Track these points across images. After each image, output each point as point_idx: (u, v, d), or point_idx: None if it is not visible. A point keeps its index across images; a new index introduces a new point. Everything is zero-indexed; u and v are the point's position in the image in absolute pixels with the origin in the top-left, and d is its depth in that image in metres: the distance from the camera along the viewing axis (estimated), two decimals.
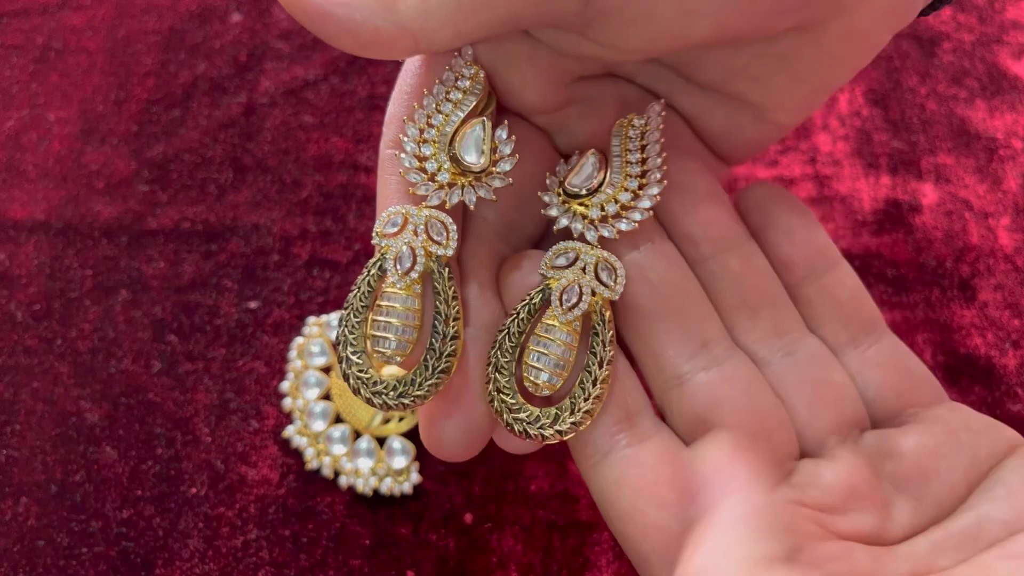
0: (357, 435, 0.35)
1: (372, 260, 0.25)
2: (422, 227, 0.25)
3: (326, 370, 0.36)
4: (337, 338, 0.25)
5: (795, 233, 0.28)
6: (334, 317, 0.37)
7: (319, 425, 0.35)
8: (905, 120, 0.43)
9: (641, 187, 0.26)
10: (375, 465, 0.34)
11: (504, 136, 0.25)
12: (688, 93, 0.29)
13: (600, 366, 0.25)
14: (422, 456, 0.35)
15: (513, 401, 0.25)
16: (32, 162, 0.42)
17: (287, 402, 0.36)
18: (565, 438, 0.25)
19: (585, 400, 0.25)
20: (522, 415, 0.25)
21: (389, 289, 0.25)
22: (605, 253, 0.26)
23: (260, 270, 0.39)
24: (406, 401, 0.24)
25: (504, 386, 0.25)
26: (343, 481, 0.34)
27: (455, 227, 0.25)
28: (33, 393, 0.36)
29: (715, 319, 0.27)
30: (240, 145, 0.42)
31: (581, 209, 0.26)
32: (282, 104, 0.43)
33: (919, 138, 0.43)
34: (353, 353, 0.25)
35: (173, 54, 0.45)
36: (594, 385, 0.25)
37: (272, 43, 0.45)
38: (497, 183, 0.25)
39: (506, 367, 0.25)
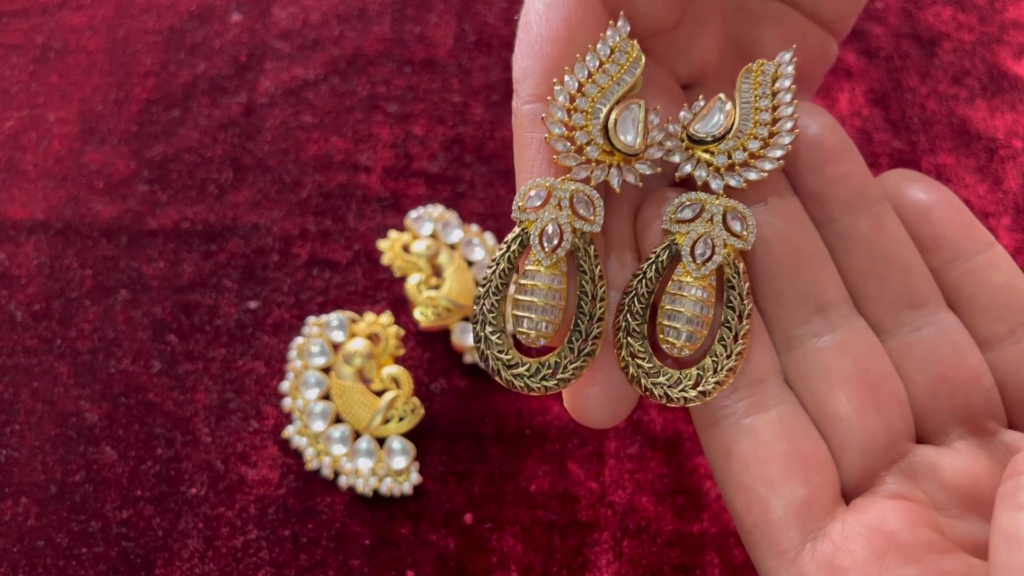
0: (357, 435, 0.35)
1: (512, 235, 0.24)
2: (566, 201, 0.23)
3: (326, 370, 0.36)
4: (474, 316, 0.24)
5: (935, 211, 0.26)
6: (334, 317, 0.37)
7: (319, 425, 0.35)
8: (905, 120, 0.43)
9: (772, 135, 0.24)
10: (375, 465, 0.34)
11: (656, 121, 0.24)
12: None
13: (740, 320, 0.24)
14: (422, 456, 0.35)
15: (651, 365, 0.24)
16: (32, 162, 0.41)
17: (287, 402, 0.36)
18: (709, 399, 0.24)
19: (728, 357, 0.24)
20: (662, 379, 0.24)
21: (532, 267, 0.23)
22: (732, 201, 0.24)
23: (260, 270, 0.39)
24: (549, 384, 0.23)
25: (639, 350, 0.24)
26: (343, 481, 0.34)
27: (601, 202, 0.23)
28: (33, 393, 0.36)
29: (836, 283, 0.25)
30: (240, 145, 0.42)
31: (706, 156, 0.24)
32: (282, 104, 0.43)
33: (919, 138, 0.43)
34: (492, 333, 0.24)
35: (173, 54, 0.45)
36: (735, 341, 0.24)
37: (272, 43, 0.45)
38: (646, 170, 0.24)
39: (638, 330, 0.24)
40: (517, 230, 0.24)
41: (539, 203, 0.23)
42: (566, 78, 0.24)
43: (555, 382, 0.23)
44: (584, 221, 0.23)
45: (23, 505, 0.34)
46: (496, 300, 0.24)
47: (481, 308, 0.24)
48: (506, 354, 0.24)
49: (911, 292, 0.25)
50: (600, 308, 0.23)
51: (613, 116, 0.24)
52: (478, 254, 0.39)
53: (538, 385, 0.24)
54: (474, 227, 0.39)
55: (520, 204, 0.24)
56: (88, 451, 0.35)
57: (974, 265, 0.26)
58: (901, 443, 0.25)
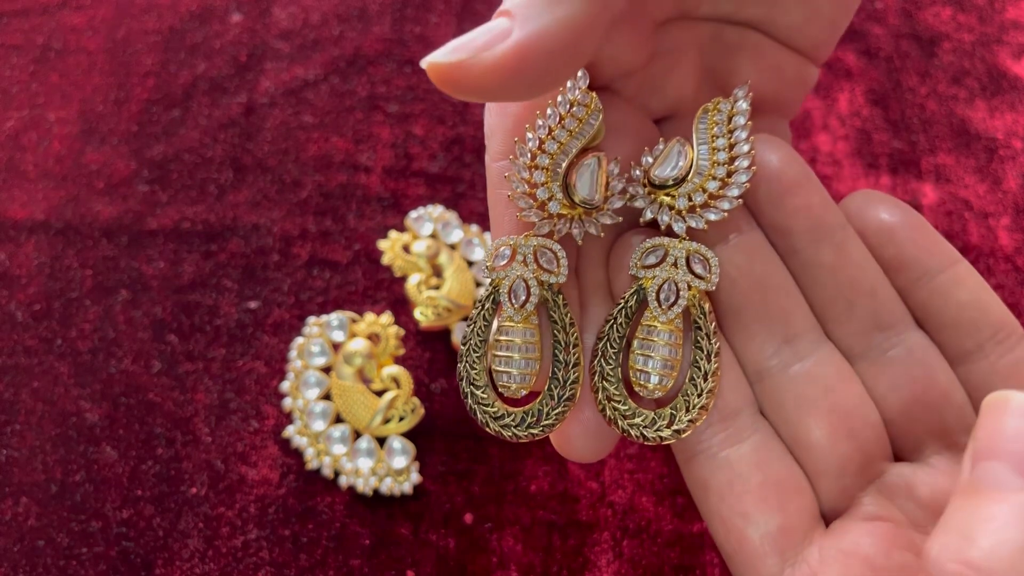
0: (357, 435, 0.35)
1: (484, 294, 0.25)
2: (531, 256, 0.25)
3: (326, 370, 0.36)
4: (459, 374, 0.25)
5: (899, 232, 0.26)
6: (334, 317, 0.37)
7: (319, 425, 0.35)
8: (905, 120, 0.43)
9: (730, 174, 0.25)
10: (375, 465, 0.34)
11: (616, 171, 0.25)
12: None
13: (708, 360, 0.25)
14: (422, 456, 0.35)
15: (626, 408, 0.25)
16: (32, 162, 0.42)
17: (287, 402, 0.36)
18: (683, 436, 0.25)
19: (698, 396, 0.25)
20: (637, 420, 0.25)
21: (506, 323, 0.25)
22: (694, 244, 0.25)
23: (260, 270, 0.39)
24: (535, 431, 0.25)
25: (614, 394, 0.25)
26: (343, 481, 0.34)
27: (564, 254, 0.25)
28: (33, 393, 0.36)
29: (803, 312, 0.26)
30: (240, 145, 0.42)
31: (668, 200, 0.25)
32: (282, 104, 0.43)
33: (919, 138, 0.43)
34: (477, 389, 0.25)
35: (173, 54, 0.45)
36: (705, 380, 0.25)
37: (272, 43, 0.45)
38: (607, 220, 0.25)
39: (612, 374, 0.25)
40: (489, 288, 0.25)
41: (504, 262, 0.25)
42: (528, 135, 0.25)
43: (539, 429, 0.25)
44: (549, 273, 0.25)
45: (23, 505, 0.34)
46: (478, 357, 0.25)
47: (465, 366, 0.25)
48: (492, 407, 0.25)
49: (878, 314, 0.26)
50: (575, 354, 0.25)
51: (573, 171, 0.25)
52: (478, 254, 0.39)
53: (524, 433, 0.25)
54: (474, 227, 0.39)
55: (489, 264, 0.25)
56: (88, 451, 0.35)
57: (940, 283, 0.26)
58: (877, 463, 0.25)
